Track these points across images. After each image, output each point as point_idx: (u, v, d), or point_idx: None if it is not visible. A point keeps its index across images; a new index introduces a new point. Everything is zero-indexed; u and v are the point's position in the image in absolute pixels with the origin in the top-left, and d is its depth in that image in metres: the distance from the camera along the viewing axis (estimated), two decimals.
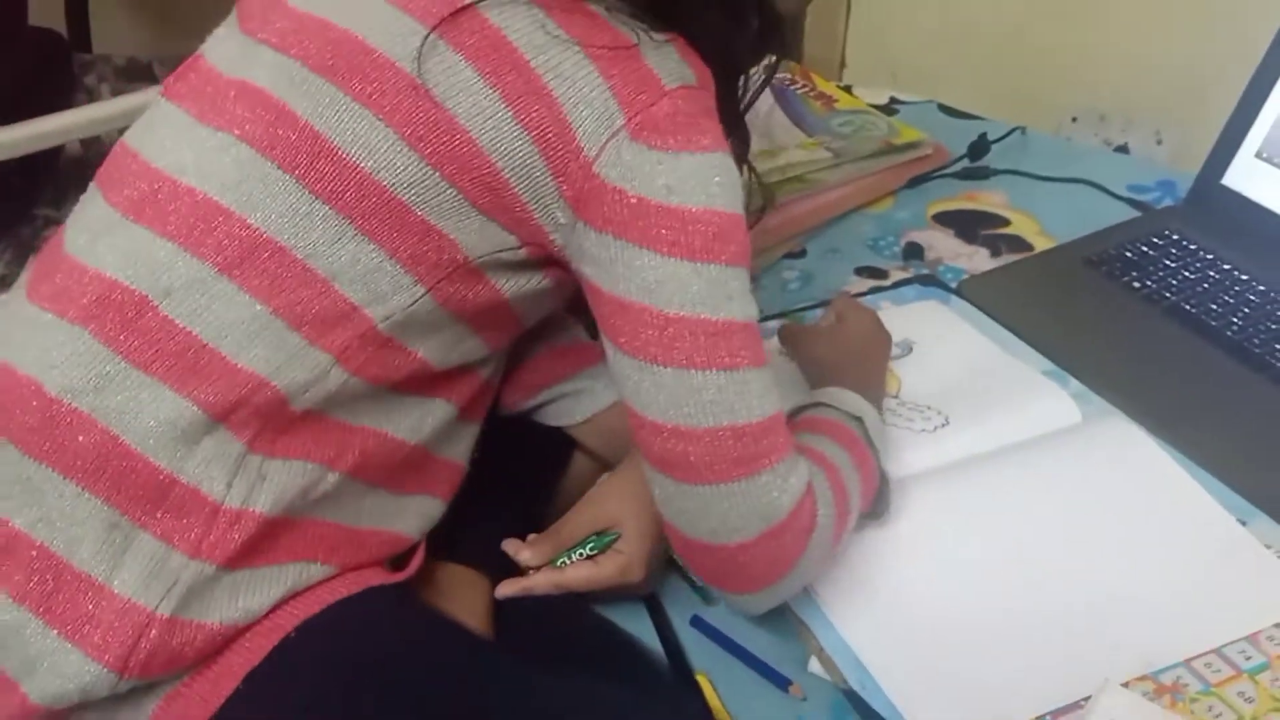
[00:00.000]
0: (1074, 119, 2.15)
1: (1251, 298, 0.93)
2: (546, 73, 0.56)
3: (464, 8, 0.57)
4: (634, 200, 0.56)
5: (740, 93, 0.68)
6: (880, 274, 1.00)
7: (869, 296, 0.96)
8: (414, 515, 0.65)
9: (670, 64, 0.58)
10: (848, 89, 1.25)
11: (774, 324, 0.92)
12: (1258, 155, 0.99)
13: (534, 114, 0.56)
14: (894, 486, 0.73)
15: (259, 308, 0.57)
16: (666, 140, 0.57)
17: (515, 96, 0.56)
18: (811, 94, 1.19)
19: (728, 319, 0.58)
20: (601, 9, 0.58)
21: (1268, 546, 0.71)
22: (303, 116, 0.58)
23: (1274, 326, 0.90)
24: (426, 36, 0.57)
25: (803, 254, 1.03)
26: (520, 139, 0.57)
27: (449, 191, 0.58)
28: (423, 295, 0.59)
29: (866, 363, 0.78)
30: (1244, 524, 0.72)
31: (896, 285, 0.98)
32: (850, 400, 0.69)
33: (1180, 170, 1.09)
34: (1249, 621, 0.66)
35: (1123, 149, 2.10)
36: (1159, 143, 2.07)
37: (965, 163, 1.14)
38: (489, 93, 0.56)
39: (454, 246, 0.59)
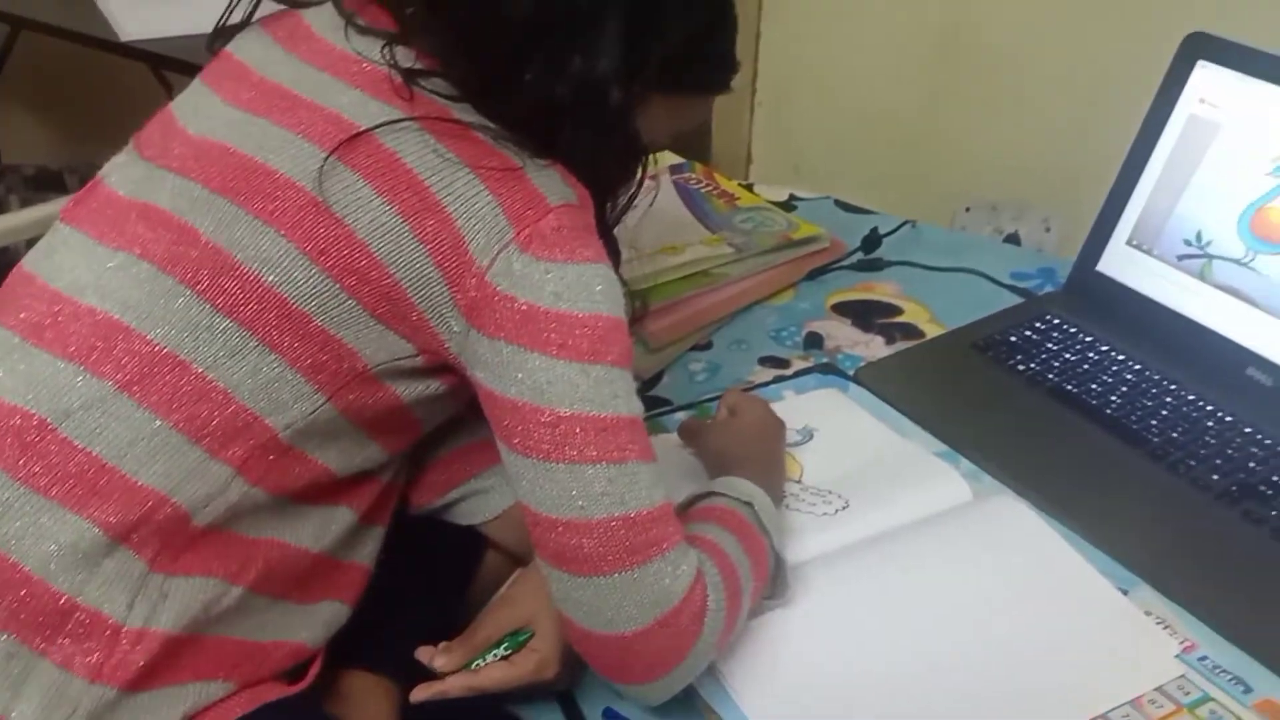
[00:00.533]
0: (967, 209, 2.27)
1: (1128, 377, 0.99)
2: (440, 191, 0.59)
3: (360, 134, 0.60)
4: (524, 307, 0.59)
5: (611, 211, 0.72)
6: (783, 363, 1.04)
7: (772, 386, 1.00)
8: (319, 623, 0.66)
9: (554, 184, 0.62)
10: (749, 187, 1.31)
11: (682, 415, 0.95)
12: (1129, 243, 1.07)
13: (429, 228, 0.59)
14: (799, 569, 0.75)
15: (158, 423, 0.58)
16: (553, 251, 0.60)
17: (412, 212, 0.59)
18: (714, 192, 1.24)
19: (615, 415, 0.61)
20: (487, 136, 0.62)
21: (1147, 613, 0.75)
22: (205, 234, 0.60)
23: (1149, 404, 0.96)
24: (326, 158, 0.60)
25: (709, 346, 1.07)
26: (417, 251, 0.59)
27: (349, 302, 0.60)
28: (323, 403, 0.61)
29: (763, 450, 0.81)
30: (1125, 592, 0.76)
31: (798, 374, 1.02)
32: (741, 486, 0.72)
33: (1062, 258, 1.16)
34: (1132, 687, 0.69)
35: (1014, 237, 2.22)
36: (1047, 230, 2.19)
37: (860, 255, 1.20)
38: (387, 208, 0.59)
39: (354, 355, 0.61)
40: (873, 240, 1.20)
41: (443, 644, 0.69)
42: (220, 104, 0.65)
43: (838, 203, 1.31)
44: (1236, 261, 0.99)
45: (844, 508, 0.82)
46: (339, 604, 0.67)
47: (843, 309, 1.12)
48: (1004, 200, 2.20)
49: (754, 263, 1.13)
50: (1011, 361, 1.01)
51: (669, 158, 1.31)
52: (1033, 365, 1.01)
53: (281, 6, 0.70)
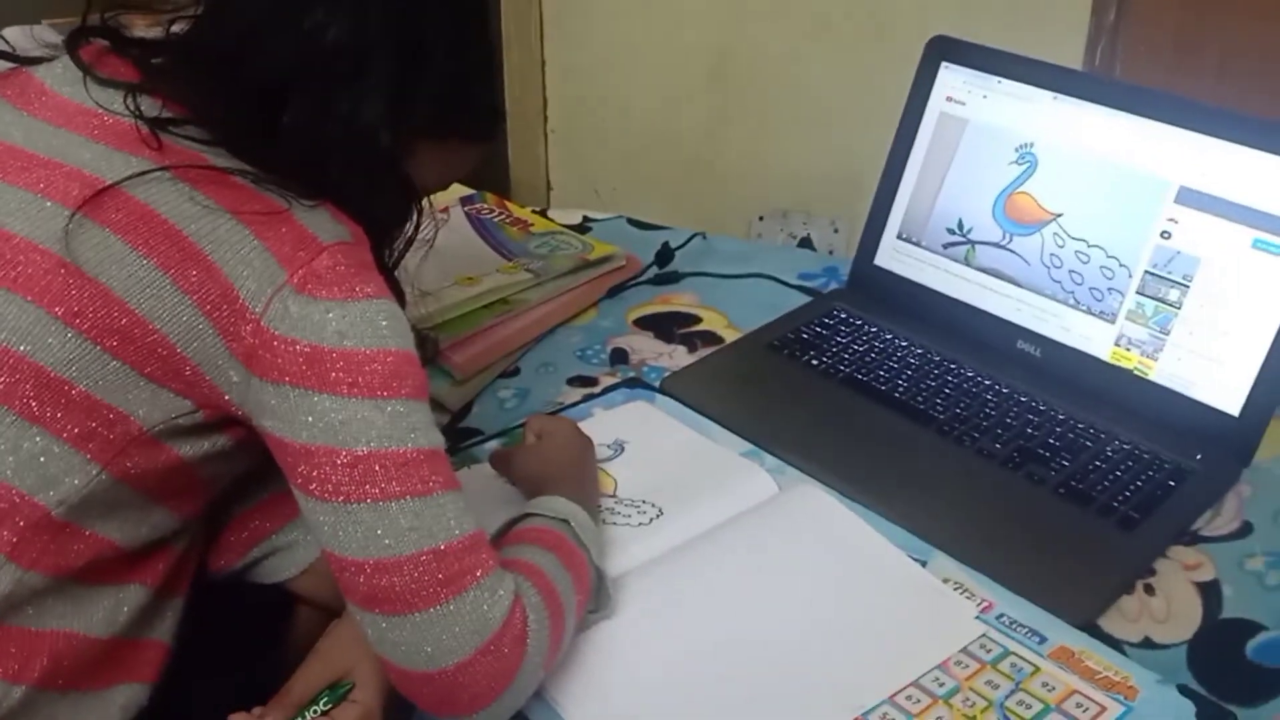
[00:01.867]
0: (761, 218, 2.36)
1: (912, 361, 1.05)
2: (201, 239, 0.58)
3: (106, 189, 0.58)
4: (307, 349, 0.58)
5: (390, 252, 0.72)
6: (591, 382, 1.05)
7: (581, 405, 1.01)
8: (114, 709, 0.62)
9: (324, 223, 0.61)
10: (542, 213, 1.32)
11: (494, 444, 0.95)
12: (899, 236, 1.13)
13: (193, 279, 0.57)
14: (620, 580, 0.76)
15: None
16: (332, 290, 0.59)
17: (172, 264, 0.57)
18: (508, 221, 1.25)
19: (415, 449, 0.60)
20: (248, 180, 0.61)
21: (945, 580, 0.79)
22: None
23: (933, 384, 1.02)
24: (72, 216, 0.57)
25: (516, 372, 1.07)
26: (182, 304, 0.57)
27: (113, 364, 0.57)
28: (98, 473, 0.58)
29: (574, 468, 0.82)
30: (924, 563, 0.81)
31: (606, 391, 1.03)
32: (557, 505, 0.73)
33: (847, 257, 1.22)
34: (939, 651, 0.73)
35: (806, 240, 2.32)
36: (836, 230, 2.30)
37: (655, 269, 1.23)
38: (143, 262, 0.57)
39: (126, 419, 0.58)
40: (665, 254, 1.24)
41: (257, 709, 0.66)
42: None
43: (630, 221, 1.34)
44: (995, 244, 1.07)
45: (658, 516, 0.84)
46: (137, 685, 0.63)
47: (644, 323, 1.15)
48: (793, 207, 2.30)
49: (553, 286, 1.14)
50: (805, 357, 1.06)
51: (459, 189, 1.31)
52: (825, 359, 1.06)
53: (10, 65, 0.67)
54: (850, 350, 1.07)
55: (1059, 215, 1.03)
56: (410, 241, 0.73)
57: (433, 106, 0.68)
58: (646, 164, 2.41)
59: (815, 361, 1.06)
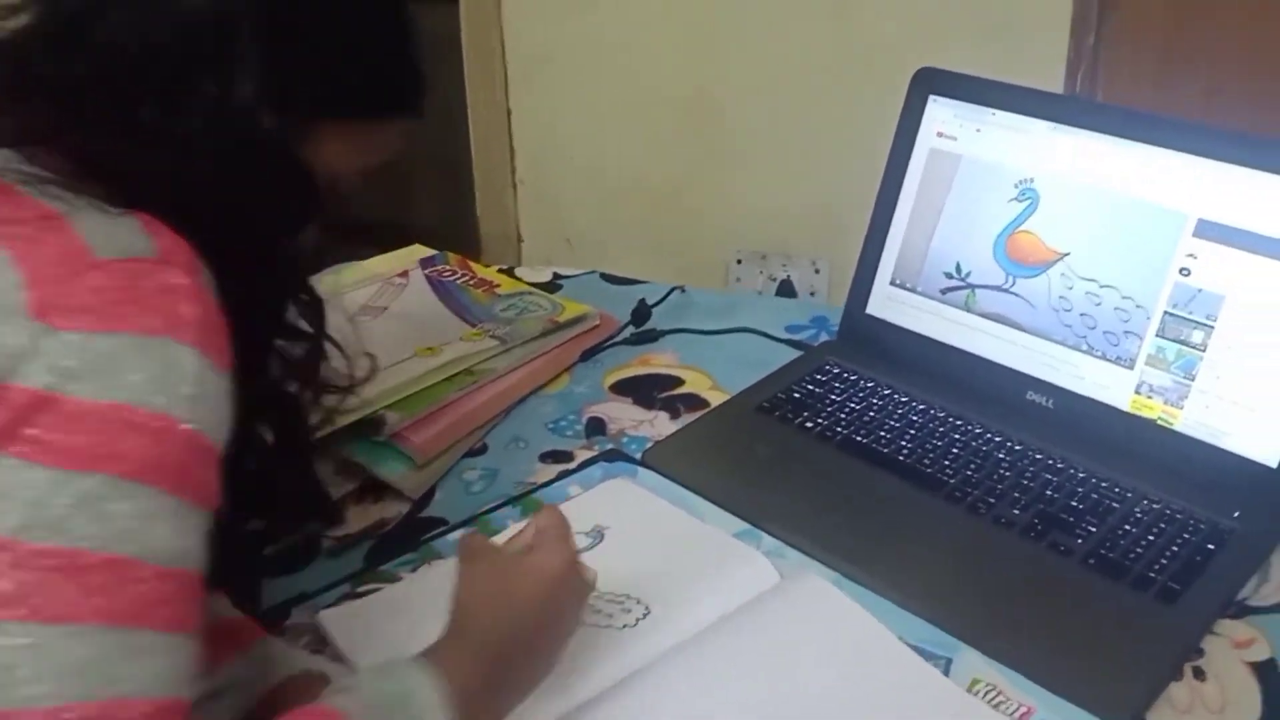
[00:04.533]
0: (739, 260, 2.28)
1: (914, 418, 0.97)
2: None
3: None
4: (20, 395, 0.46)
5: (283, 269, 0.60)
6: (566, 456, 0.96)
7: (557, 484, 0.92)
8: None
9: (117, 234, 0.50)
10: (510, 271, 1.23)
11: (461, 533, 0.86)
12: (893, 283, 1.05)
13: None
14: (601, 700, 0.67)
15: None
16: (78, 319, 0.47)
17: None
18: (472, 282, 1.16)
19: (112, 555, 0.46)
20: (15, 180, 0.51)
21: (975, 683, 0.70)
22: None
23: (939, 444, 0.93)
24: None
25: (483, 450, 0.98)
26: None
27: None
28: None
29: (524, 622, 0.63)
30: (950, 660, 0.72)
31: (583, 466, 0.94)
32: (410, 681, 0.55)
33: (834, 306, 1.14)
34: None
35: (787, 283, 2.24)
36: (817, 271, 2.23)
37: (632, 329, 1.14)
38: None
39: None
40: (642, 312, 1.15)
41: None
42: None
43: (604, 276, 1.26)
44: (998, 288, 0.99)
45: (645, 615, 0.74)
46: None
47: (622, 388, 1.06)
48: (772, 249, 2.23)
49: (521, 352, 1.05)
50: (799, 419, 0.97)
51: (419, 251, 1.23)
52: (820, 420, 0.97)
53: None
54: (846, 409, 0.98)
55: (1066, 255, 0.95)
56: (319, 260, 0.61)
57: (328, 78, 0.58)
58: (620, 210, 2.34)
59: (810, 424, 0.97)
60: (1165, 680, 0.72)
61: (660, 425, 1.00)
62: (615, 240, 2.33)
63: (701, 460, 0.93)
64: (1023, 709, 0.67)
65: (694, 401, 1.03)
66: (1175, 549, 0.82)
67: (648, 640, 0.72)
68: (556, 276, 1.25)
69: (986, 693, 0.68)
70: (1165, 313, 0.90)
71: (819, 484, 0.90)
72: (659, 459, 0.94)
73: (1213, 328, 0.87)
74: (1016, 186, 0.97)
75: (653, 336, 1.13)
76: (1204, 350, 0.88)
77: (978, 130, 1.00)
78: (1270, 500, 0.84)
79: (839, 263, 2.15)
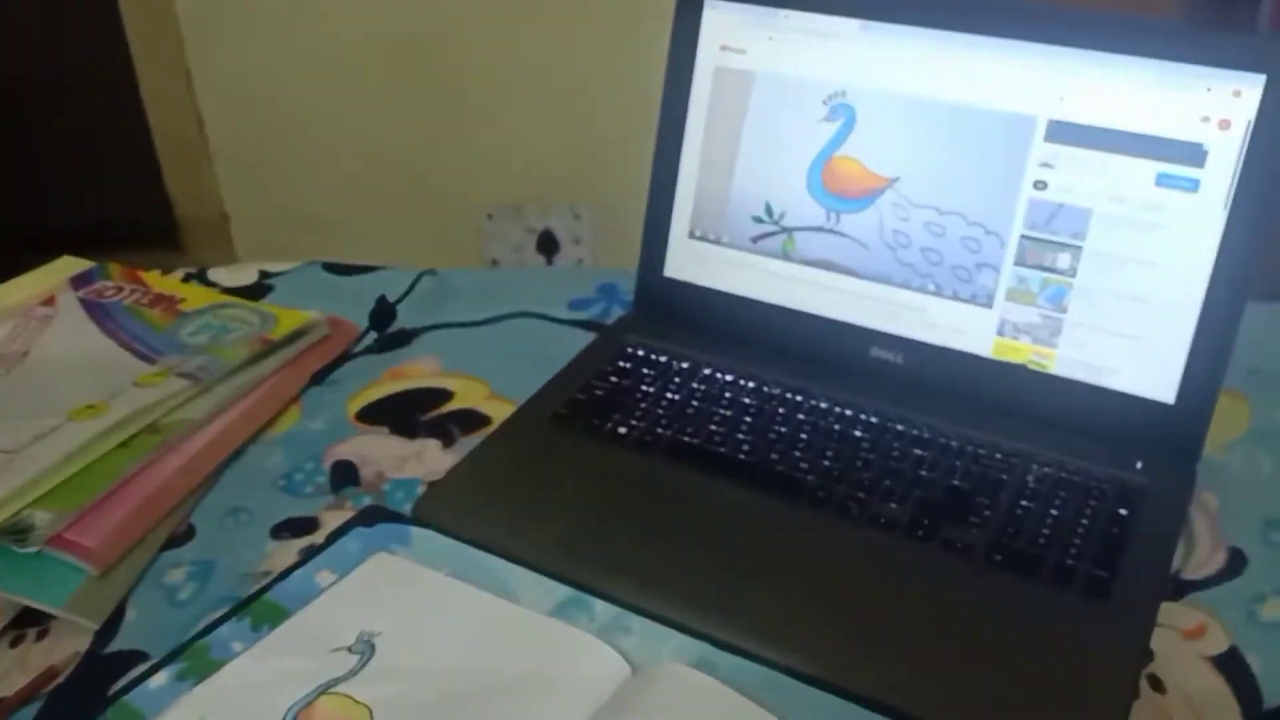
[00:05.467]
0: (490, 216, 2.04)
1: (747, 401, 0.78)
2: None
3: None
4: None
5: None
6: (308, 525, 0.71)
7: (302, 571, 0.67)
8: None
9: None
10: (198, 277, 0.95)
11: (165, 678, 0.59)
12: (692, 235, 0.85)
13: None
14: None
15: None
16: None
17: None
18: (144, 301, 0.87)
19: None
20: None
21: None
22: None
23: (782, 430, 0.75)
24: None
25: (190, 534, 0.71)
26: None
27: None
28: None
29: None
30: None
31: (334, 538, 0.69)
32: None
33: (623, 270, 0.93)
34: None
35: (547, 234, 2.03)
36: (578, 218, 2.02)
37: (374, 334, 0.89)
38: None
39: None
40: (384, 310, 0.90)
41: None
42: None
43: (327, 266, 0.99)
44: (819, 229, 0.81)
45: None
46: None
47: (373, 414, 0.81)
48: (527, 200, 2.00)
49: (226, 390, 0.78)
50: (607, 425, 0.76)
51: (69, 265, 0.92)
52: (633, 422, 0.77)
53: None
54: (663, 402, 0.78)
55: (895, 180, 0.78)
56: None
57: None
58: (344, 179, 2.04)
59: (622, 429, 0.76)
60: (1125, 704, 0.57)
61: (431, 459, 0.77)
62: (343, 215, 2.03)
63: (493, 503, 0.71)
64: None
65: (470, 420, 0.80)
66: (1085, 523, 0.67)
67: None
68: (265, 276, 0.98)
69: None
70: (1022, 236, 0.74)
71: (650, 513, 0.70)
72: (435, 511, 0.70)
73: (1080, 248, 0.73)
74: (826, 103, 0.79)
75: (403, 339, 0.89)
76: (1073, 276, 0.73)
77: (770, 39, 0.81)
78: (1171, 441, 0.71)
79: (603, 206, 1.96)
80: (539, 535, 0.67)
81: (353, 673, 0.57)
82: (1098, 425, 0.73)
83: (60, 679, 0.61)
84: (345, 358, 0.87)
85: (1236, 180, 0.68)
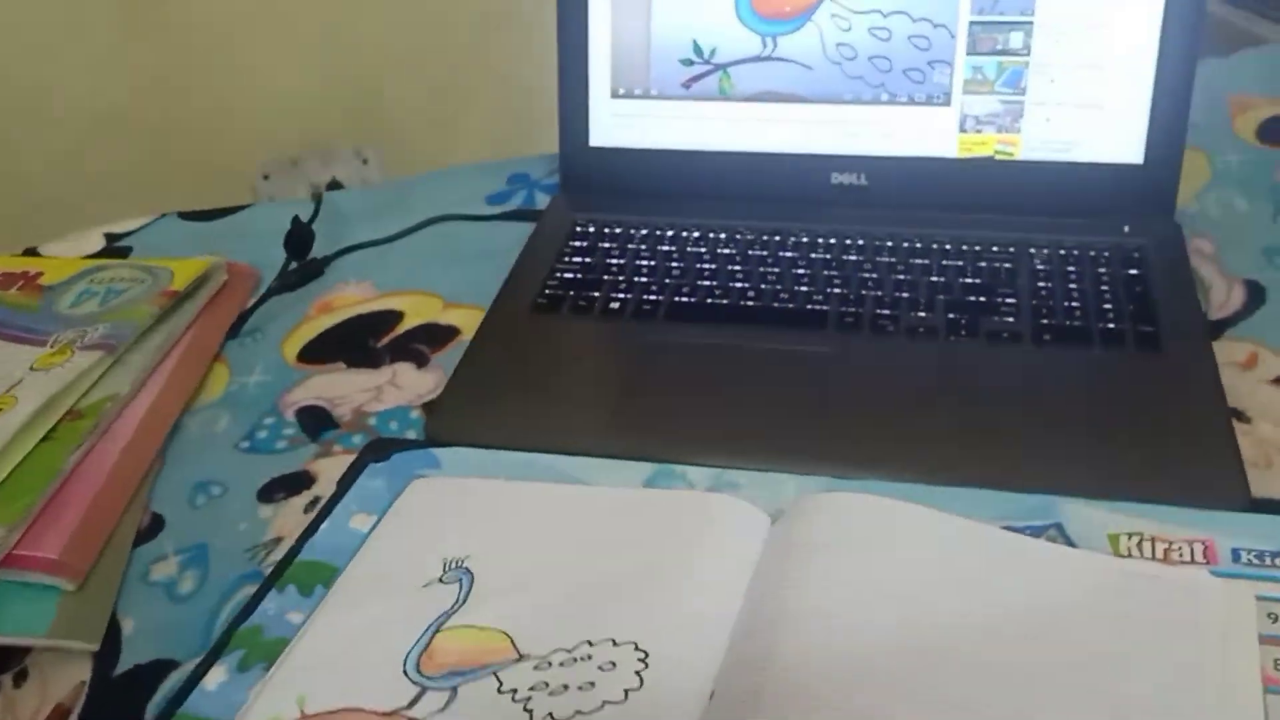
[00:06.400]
0: (266, 176, 1.86)
1: (727, 253, 0.73)
2: None
3: None
4: None
5: None
6: (300, 481, 0.61)
7: (328, 524, 0.56)
8: None
9: None
10: (33, 253, 0.80)
11: (224, 671, 0.49)
12: (615, 94, 0.79)
13: None
14: None
15: None
16: None
17: None
18: None
19: None
20: None
21: (1115, 539, 0.49)
22: None
23: (777, 271, 0.71)
24: None
25: (160, 526, 0.59)
26: None
27: None
28: None
29: None
30: (1058, 525, 0.50)
31: (347, 483, 0.59)
32: None
33: (522, 156, 0.85)
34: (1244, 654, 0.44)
35: (335, 184, 1.87)
36: (365, 162, 1.88)
37: (293, 265, 0.77)
38: None
39: None
40: (301, 235, 0.78)
41: None
42: None
43: (184, 215, 0.85)
44: (757, 59, 0.76)
45: (644, 660, 0.45)
46: None
47: (317, 352, 0.71)
48: (305, 151, 1.83)
49: (142, 357, 0.65)
50: (597, 305, 0.69)
51: None
52: (621, 295, 0.70)
53: None
54: (642, 271, 0.72)
55: None
56: None
57: None
58: (84, 154, 1.79)
59: (614, 304, 0.69)
60: (1231, 438, 0.57)
61: (410, 383, 0.67)
62: (86, 191, 1.79)
63: (518, 403, 0.63)
64: (1200, 544, 0.48)
65: (436, 335, 0.71)
66: (1106, 290, 0.67)
67: (679, 691, 0.43)
68: (114, 238, 0.83)
69: (1142, 546, 0.48)
70: (971, 23, 0.73)
71: (690, 375, 0.64)
72: (455, 427, 0.62)
73: (1031, 23, 0.72)
74: None
75: (313, 271, 0.78)
76: (1027, 54, 0.72)
77: None
78: (1151, 200, 0.72)
79: (393, 142, 1.82)
80: (587, 421, 0.60)
81: (460, 603, 0.49)
82: (1076, 201, 0.73)
83: (75, 717, 0.49)
84: (260, 302, 0.75)
85: None
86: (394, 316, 0.73)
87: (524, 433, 0.60)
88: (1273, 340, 0.63)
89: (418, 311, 0.73)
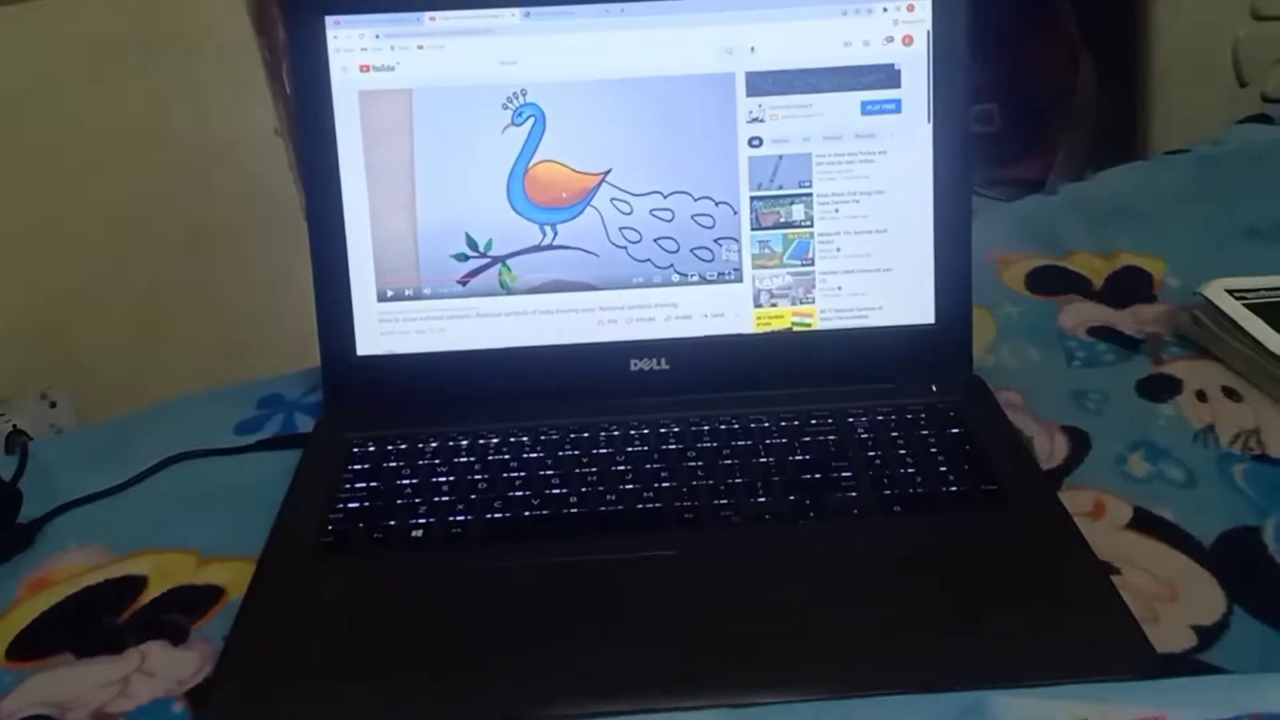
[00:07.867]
0: None
1: (534, 456, 0.65)
2: None
3: None
4: None
5: None
6: None
7: None
8: None
9: None
10: None
11: None
12: (382, 298, 0.70)
13: None
14: None
15: None
16: None
17: None
18: None
19: None
20: None
21: None
22: None
23: (594, 469, 0.63)
24: None
25: None
26: None
27: None
28: None
29: None
30: None
31: None
32: None
33: (271, 376, 0.74)
34: None
35: (18, 435, 1.64)
36: (53, 405, 1.65)
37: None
38: None
39: None
40: (6, 498, 0.62)
41: None
42: None
43: None
44: (537, 248, 0.71)
45: None
46: None
47: (33, 646, 0.55)
48: None
49: None
50: (399, 534, 0.59)
51: None
52: (424, 518, 0.60)
53: None
54: (440, 487, 0.62)
55: (606, 173, 0.70)
56: None
57: None
58: None
59: (416, 532, 0.59)
60: (1114, 590, 0.53)
61: (166, 667, 0.53)
62: None
63: (321, 679, 0.50)
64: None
65: (196, 599, 0.57)
66: (935, 451, 0.64)
67: None
68: None
69: None
70: (752, 198, 0.71)
71: (524, 608, 0.54)
72: (234, 716, 0.48)
73: (810, 194, 0.71)
74: (507, 107, 0.69)
75: (22, 537, 0.62)
76: (811, 225, 0.71)
77: (420, 47, 0.69)
78: (948, 358, 0.71)
79: (86, 380, 1.61)
80: (406, 688, 0.49)
81: None
82: (877, 366, 0.71)
83: None
84: None
85: (931, 90, 0.70)
86: (136, 583, 0.58)
87: (328, 707, 0.48)
88: (1110, 484, 0.62)
89: (166, 574, 0.59)
